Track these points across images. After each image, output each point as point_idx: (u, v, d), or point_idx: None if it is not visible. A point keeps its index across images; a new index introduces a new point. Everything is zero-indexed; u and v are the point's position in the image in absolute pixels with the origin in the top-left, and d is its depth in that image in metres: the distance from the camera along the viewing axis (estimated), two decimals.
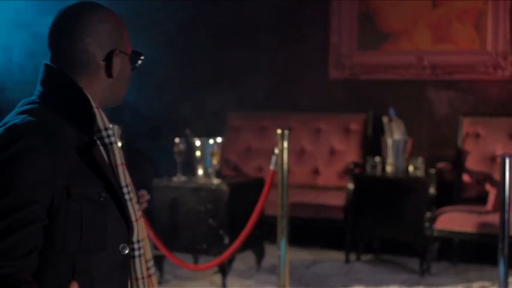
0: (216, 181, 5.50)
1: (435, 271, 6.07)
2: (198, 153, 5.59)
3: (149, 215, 5.65)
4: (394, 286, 5.60)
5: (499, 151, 6.32)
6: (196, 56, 7.50)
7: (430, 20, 6.74)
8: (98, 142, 1.93)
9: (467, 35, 6.66)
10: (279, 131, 4.69)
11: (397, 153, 6.20)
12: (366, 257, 6.47)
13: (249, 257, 6.10)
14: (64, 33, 1.95)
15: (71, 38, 1.94)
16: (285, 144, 4.69)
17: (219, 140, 5.61)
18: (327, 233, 6.72)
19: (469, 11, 6.63)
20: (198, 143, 5.58)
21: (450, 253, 6.29)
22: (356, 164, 6.38)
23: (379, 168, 6.25)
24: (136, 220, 1.97)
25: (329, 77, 7.09)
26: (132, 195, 1.97)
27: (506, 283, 4.26)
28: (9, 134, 1.82)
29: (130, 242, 1.95)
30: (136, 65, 2.09)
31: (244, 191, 5.44)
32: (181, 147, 5.59)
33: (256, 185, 5.56)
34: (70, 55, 1.94)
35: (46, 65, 1.97)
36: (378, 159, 6.27)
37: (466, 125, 6.51)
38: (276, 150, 4.72)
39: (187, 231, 5.50)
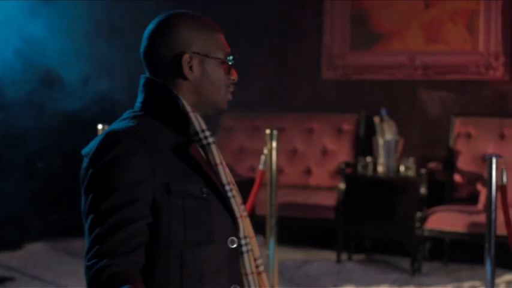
0: None
1: (426, 271, 6.09)
2: None
3: None
4: (384, 286, 5.62)
5: (490, 151, 6.34)
6: None
7: (422, 20, 6.76)
8: (196, 143, 1.99)
9: (459, 36, 6.68)
10: (267, 131, 4.72)
11: (388, 153, 6.22)
12: (357, 256, 6.49)
13: None
14: (152, 42, 2.06)
15: (158, 46, 2.05)
16: (274, 144, 4.72)
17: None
18: (318, 233, 6.74)
19: (461, 12, 6.65)
20: None
21: (442, 253, 6.31)
22: (347, 164, 6.40)
23: (370, 168, 6.27)
24: (241, 217, 2.00)
25: (322, 77, 7.11)
26: (234, 193, 2.00)
27: (492, 283, 4.27)
28: (109, 140, 1.91)
29: (237, 238, 1.99)
30: (230, 68, 2.14)
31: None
32: None
33: (247, 185, 5.56)
34: (159, 63, 2.04)
35: (144, 77, 2.08)
36: (369, 159, 6.29)
37: (458, 125, 6.53)
38: (265, 150, 4.73)
39: None
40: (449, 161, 6.46)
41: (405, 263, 6.21)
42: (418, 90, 6.80)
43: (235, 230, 1.99)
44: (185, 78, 2.02)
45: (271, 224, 4.78)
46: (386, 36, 6.89)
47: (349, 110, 6.95)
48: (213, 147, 2.00)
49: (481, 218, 5.71)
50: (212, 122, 7.09)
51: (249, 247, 2.02)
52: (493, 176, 4.20)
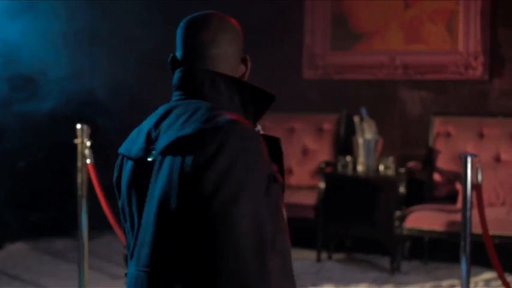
0: None
1: (406, 269, 6.11)
2: None
3: (119, 214, 5.68)
4: (363, 284, 5.65)
5: (469, 150, 6.37)
6: (168, 52, 7.51)
7: (402, 20, 6.79)
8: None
9: (438, 35, 6.71)
10: None
11: (368, 152, 6.25)
12: (337, 255, 6.51)
13: None
14: (215, 41, 2.06)
15: (220, 44, 2.06)
16: None
17: None
18: (298, 232, 6.72)
19: (441, 12, 6.69)
20: None
21: (421, 252, 6.34)
22: (327, 164, 6.42)
23: (350, 167, 6.29)
24: None
25: (303, 77, 7.14)
26: None
27: (468, 281, 4.30)
28: (242, 126, 1.86)
29: None
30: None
31: None
32: None
33: None
34: (224, 64, 2.06)
35: (209, 71, 2.04)
36: (349, 158, 6.31)
37: (437, 125, 6.56)
38: None
39: None
40: (429, 160, 6.49)
41: (385, 261, 6.24)
42: (398, 89, 6.83)
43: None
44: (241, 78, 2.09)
45: None
46: (367, 36, 6.91)
47: (329, 109, 6.97)
48: None
49: (459, 217, 5.72)
50: None
51: None
52: (468, 175, 4.23)
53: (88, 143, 5.16)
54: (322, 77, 7.08)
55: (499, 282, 5.73)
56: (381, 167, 6.22)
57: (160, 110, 2.04)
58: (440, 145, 6.50)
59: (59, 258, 6.43)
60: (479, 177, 4.27)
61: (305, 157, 6.93)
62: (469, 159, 4.22)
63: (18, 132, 6.60)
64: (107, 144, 7.63)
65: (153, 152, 1.93)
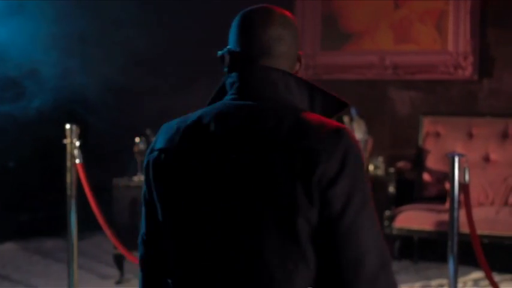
0: None
1: (395, 269, 6.11)
2: None
3: (109, 214, 5.68)
4: None
5: (458, 150, 6.39)
6: (159, 57, 7.53)
7: (392, 20, 6.81)
8: None
9: (428, 36, 6.73)
10: None
11: None
12: None
13: None
14: (281, 37, 1.91)
15: (286, 41, 1.92)
16: None
17: None
18: None
19: (431, 12, 6.70)
20: None
21: (411, 252, 6.35)
22: None
23: None
24: None
25: None
26: None
27: (456, 281, 4.31)
28: (352, 134, 1.80)
29: None
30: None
31: None
32: (141, 146, 5.61)
33: None
34: (287, 61, 1.93)
35: (277, 71, 1.88)
36: None
37: (427, 124, 6.58)
38: None
39: None
40: (418, 159, 6.51)
41: None
42: (388, 89, 6.85)
43: None
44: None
45: None
46: (357, 36, 6.92)
47: None
48: None
49: (448, 217, 5.76)
50: None
51: None
52: (456, 175, 4.24)
53: (77, 143, 5.16)
54: (312, 77, 7.08)
55: (487, 281, 5.74)
56: (371, 167, 6.23)
57: (220, 108, 1.85)
58: (429, 145, 6.52)
59: (49, 258, 6.43)
60: (467, 177, 4.28)
61: None
62: (456, 159, 4.23)
63: (8, 132, 6.59)
64: (97, 143, 7.66)
65: (239, 155, 1.74)
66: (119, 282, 5.67)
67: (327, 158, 1.70)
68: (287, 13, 1.95)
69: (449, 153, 4.32)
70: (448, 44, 6.65)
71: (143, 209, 1.93)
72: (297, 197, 1.67)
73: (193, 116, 1.87)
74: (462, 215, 5.78)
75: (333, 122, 1.81)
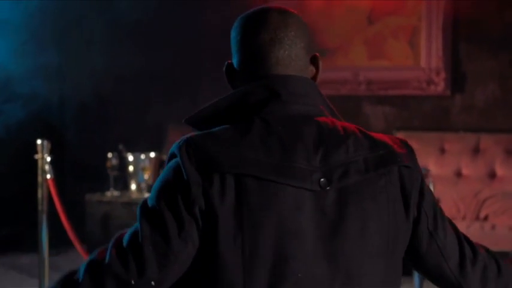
0: (147, 195, 5.55)
1: None
2: (131, 168, 5.65)
3: (81, 229, 5.70)
4: None
5: (431, 165, 6.45)
6: (135, 71, 7.57)
7: (365, 36, 6.87)
8: None
9: (401, 52, 6.79)
10: None
11: None
12: None
13: None
14: (297, 41, 1.79)
15: (300, 45, 1.80)
16: None
17: (151, 155, 5.68)
18: None
19: (404, 28, 6.76)
20: (130, 158, 5.64)
21: None
22: None
23: None
24: None
25: None
26: None
27: None
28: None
29: None
30: None
31: None
32: (114, 162, 5.64)
33: None
34: (300, 64, 1.81)
35: (303, 78, 1.79)
36: None
37: None
38: None
39: None
40: None
41: None
42: (362, 105, 6.91)
43: None
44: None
45: None
46: (331, 52, 6.98)
47: None
48: None
49: None
50: (159, 136, 7.17)
51: None
52: None
53: (48, 158, 5.18)
54: None
55: None
56: None
57: (278, 126, 1.67)
58: None
59: (24, 273, 6.42)
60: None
61: None
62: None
63: None
64: (73, 158, 7.69)
65: (335, 178, 1.63)
66: None
67: (416, 170, 1.72)
68: (302, 20, 1.84)
69: None
70: (421, 60, 6.72)
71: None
72: (399, 219, 1.65)
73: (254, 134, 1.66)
74: None
75: (383, 134, 1.80)
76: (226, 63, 1.82)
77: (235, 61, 1.81)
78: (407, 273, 5.81)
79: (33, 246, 6.82)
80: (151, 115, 7.53)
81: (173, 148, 1.68)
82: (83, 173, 7.32)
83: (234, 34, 1.81)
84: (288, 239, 1.56)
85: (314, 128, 1.68)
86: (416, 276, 4.35)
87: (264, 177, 1.58)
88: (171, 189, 1.62)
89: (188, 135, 1.68)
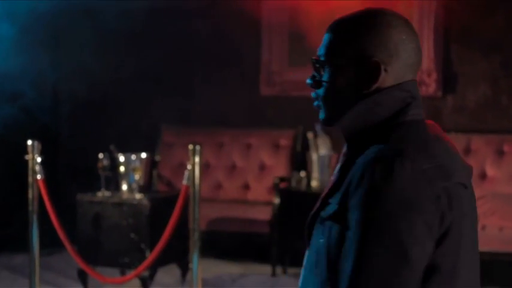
0: (138, 196, 5.58)
1: None
2: (122, 168, 5.67)
3: (72, 229, 5.72)
4: None
5: None
6: (128, 72, 7.61)
7: None
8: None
9: None
10: (190, 147, 4.79)
11: (322, 168, 6.32)
12: (293, 270, 6.56)
13: (176, 270, 6.16)
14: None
15: None
16: (196, 159, 4.79)
17: (143, 155, 5.69)
18: (255, 247, 6.81)
19: None
20: (121, 158, 5.66)
21: None
22: (282, 179, 6.49)
23: (304, 183, 6.36)
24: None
25: (260, 93, 7.22)
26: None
27: None
28: None
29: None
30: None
31: (167, 205, 5.47)
32: (105, 162, 5.66)
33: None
34: None
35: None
36: (303, 174, 6.38)
37: None
38: (189, 166, 4.81)
39: (110, 245, 5.57)
40: None
41: None
42: None
43: None
44: None
45: (194, 238, 4.84)
46: None
47: (287, 125, 7.06)
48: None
49: None
50: (152, 138, 7.19)
51: None
52: None
53: (39, 159, 5.22)
54: (279, 94, 7.17)
55: None
56: None
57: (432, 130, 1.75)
58: None
59: (17, 273, 6.45)
60: None
61: (262, 173, 7.00)
62: None
63: None
64: (68, 159, 7.72)
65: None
66: None
67: None
68: None
69: None
70: None
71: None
72: None
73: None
74: None
75: None
76: (372, 60, 1.69)
77: (386, 60, 1.70)
78: None
79: (27, 247, 6.88)
80: (144, 116, 7.57)
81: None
82: (76, 174, 7.35)
83: (391, 33, 1.71)
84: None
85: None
86: None
87: (468, 185, 1.68)
88: None
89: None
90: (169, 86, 7.50)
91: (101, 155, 5.68)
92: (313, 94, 1.82)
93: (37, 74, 7.15)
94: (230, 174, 7.10)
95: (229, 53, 7.29)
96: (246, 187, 7.03)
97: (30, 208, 5.25)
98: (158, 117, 7.40)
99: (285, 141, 7.01)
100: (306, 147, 6.80)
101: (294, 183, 6.39)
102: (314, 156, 6.36)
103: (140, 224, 5.48)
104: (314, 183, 6.34)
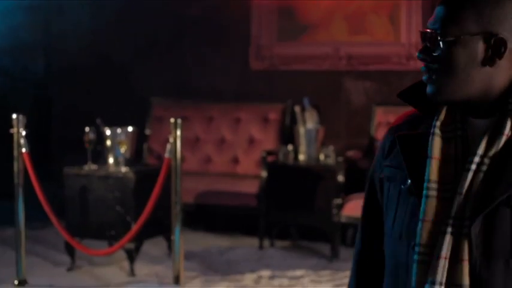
0: (124, 169, 5.63)
1: (346, 256, 6.22)
2: (108, 142, 5.71)
3: (60, 202, 5.78)
4: (301, 271, 5.74)
5: None
6: (117, 42, 7.63)
7: (346, 12, 6.90)
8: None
9: (382, 27, 6.82)
10: (172, 120, 4.83)
11: (309, 141, 6.35)
12: (281, 243, 6.62)
13: (163, 243, 6.22)
14: None
15: None
16: (178, 132, 4.84)
17: (129, 129, 5.73)
18: (243, 220, 6.86)
19: (384, 4, 6.79)
20: (108, 132, 5.70)
21: None
22: (270, 153, 6.52)
23: (291, 156, 6.39)
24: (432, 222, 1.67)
25: (250, 67, 7.24)
26: (437, 194, 1.68)
27: None
28: None
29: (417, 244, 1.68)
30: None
31: (152, 178, 5.51)
32: (91, 136, 5.70)
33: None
34: None
35: None
36: (290, 147, 6.41)
37: (379, 115, 6.68)
38: (171, 139, 4.85)
39: (97, 218, 5.63)
40: (370, 149, 6.61)
41: (327, 249, 6.33)
42: (342, 80, 6.95)
43: (414, 233, 1.69)
44: None
45: (176, 211, 4.89)
46: (312, 27, 7.01)
47: (276, 99, 7.08)
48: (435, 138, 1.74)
49: None
50: (142, 112, 7.23)
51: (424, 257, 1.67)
52: None
53: (23, 132, 5.27)
54: (268, 68, 7.18)
55: None
56: (321, 156, 6.32)
57: None
58: (381, 134, 6.60)
59: (7, 245, 6.51)
60: None
61: (251, 146, 7.04)
62: None
63: None
64: (59, 132, 7.77)
65: None
66: (70, 269, 5.77)
67: None
68: None
69: (379, 141, 4.41)
70: (401, 35, 6.75)
71: None
72: None
73: None
74: None
75: None
76: (498, 37, 1.64)
77: (509, 36, 1.65)
78: None
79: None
80: (135, 90, 7.60)
81: None
82: (67, 147, 7.39)
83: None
84: None
85: None
86: None
87: None
88: None
89: None
90: (160, 61, 7.52)
91: (87, 129, 5.72)
92: (422, 68, 1.79)
93: (29, 47, 7.19)
94: (219, 148, 7.14)
95: (220, 27, 7.30)
96: (235, 161, 7.07)
97: (16, 181, 5.30)
98: (149, 91, 7.43)
99: (274, 115, 7.04)
100: (294, 121, 6.82)
101: (281, 157, 6.42)
102: (301, 130, 6.38)
103: (125, 196, 5.53)
104: (301, 157, 6.37)
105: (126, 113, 7.26)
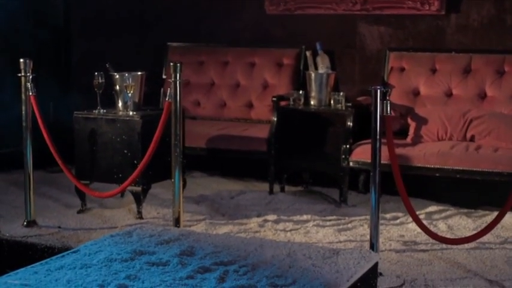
0: (131, 113, 5.67)
1: (354, 202, 6.23)
2: (117, 87, 5.76)
3: (70, 146, 5.86)
4: (307, 215, 5.77)
5: (421, 85, 6.46)
6: None
7: None
8: None
9: None
10: (171, 64, 4.86)
11: (320, 86, 6.32)
12: (293, 188, 6.64)
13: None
14: None
15: None
16: (178, 76, 4.87)
17: (137, 73, 5.76)
18: (255, 165, 6.88)
19: None
20: (116, 76, 5.74)
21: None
22: (281, 98, 6.50)
23: (302, 101, 6.37)
24: None
25: (265, 11, 7.19)
26: None
27: (377, 213, 4.42)
28: None
29: None
30: None
31: (158, 122, 5.55)
32: (100, 80, 5.75)
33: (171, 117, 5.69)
34: None
35: None
36: (301, 92, 6.39)
37: (392, 60, 6.62)
38: (171, 82, 4.89)
39: (105, 161, 5.70)
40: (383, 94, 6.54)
41: (337, 194, 6.33)
42: (357, 24, 6.87)
43: None
44: None
45: (175, 154, 4.94)
46: None
47: (291, 44, 7.05)
48: None
49: (407, 151, 5.84)
50: (159, 56, 7.25)
51: None
52: (378, 107, 4.32)
53: (30, 76, 5.35)
54: (283, 12, 7.13)
55: (442, 214, 5.84)
56: (332, 102, 6.29)
57: None
58: (394, 80, 6.56)
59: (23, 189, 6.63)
60: (389, 110, 4.36)
61: (265, 91, 7.04)
62: (378, 92, 4.32)
63: None
64: (69, 76, 7.84)
65: None
66: (80, 211, 5.87)
67: None
68: None
69: (372, 87, 4.39)
70: None
71: None
72: None
73: None
74: (418, 149, 5.87)
75: None
76: None
77: None
78: (409, 193, 5.80)
79: (39, 164, 7.06)
80: (151, 35, 7.62)
81: None
82: (84, 92, 7.45)
83: None
84: None
85: None
86: (373, 193, 4.41)
87: None
88: None
89: None
90: (176, 6, 7.51)
91: (96, 73, 5.77)
92: None
93: None
94: (234, 92, 7.15)
95: None
96: (250, 106, 7.08)
97: (24, 124, 5.39)
98: (165, 36, 7.45)
99: (288, 60, 7.01)
100: (308, 65, 6.79)
101: (291, 102, 6.40)
102: (312, 75, 6.35)
103: (132, 140, 5.58)
104: (312, 102, 6.35)
105: (142, 58, 7.30)
